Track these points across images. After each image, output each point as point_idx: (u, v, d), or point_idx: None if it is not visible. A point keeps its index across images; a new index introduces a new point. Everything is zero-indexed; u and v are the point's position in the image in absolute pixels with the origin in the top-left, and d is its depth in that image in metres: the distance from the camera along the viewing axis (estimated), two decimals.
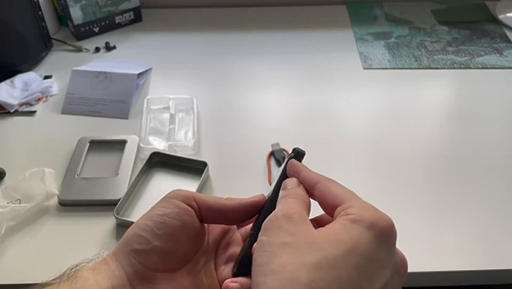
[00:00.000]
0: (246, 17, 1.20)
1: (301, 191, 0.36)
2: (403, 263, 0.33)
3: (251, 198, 0.39)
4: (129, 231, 0.37)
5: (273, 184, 0.39)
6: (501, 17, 1.17)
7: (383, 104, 0.95)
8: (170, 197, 0.38)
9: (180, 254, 0.37)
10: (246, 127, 0.89)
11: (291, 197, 0.35)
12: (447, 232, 0.70)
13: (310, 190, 0.36)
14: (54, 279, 0.35)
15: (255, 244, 0.33)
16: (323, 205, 0.35)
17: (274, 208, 0.35)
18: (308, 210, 0.35)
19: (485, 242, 0.69)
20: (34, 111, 0.93)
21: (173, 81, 1.02)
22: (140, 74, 0.97)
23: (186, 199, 0.38)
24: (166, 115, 0.89)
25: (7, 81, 0.96)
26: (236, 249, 0.40)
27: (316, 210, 0.37)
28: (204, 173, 0.76)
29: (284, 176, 0.39)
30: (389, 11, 1.22)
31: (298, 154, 0.39)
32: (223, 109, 0.94)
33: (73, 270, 0.36)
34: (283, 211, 0.33)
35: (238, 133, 0.88)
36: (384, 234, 0.31)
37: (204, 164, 0.77)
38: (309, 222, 0.32)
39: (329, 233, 0.31)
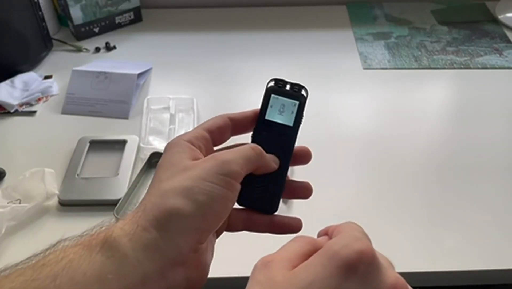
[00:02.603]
0: (246, 17, 1.20)
1: (307, 237, 0.34)
2: None
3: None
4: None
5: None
6: (501, 17, 1.17)
7: (383, 104, 0.95)
8: (227, 175, 0.34)
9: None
10: None
11: (290, 241, 0.34)
12: (447, 232, 0.70)
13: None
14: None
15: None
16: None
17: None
18: (311, 249, 0.32)
19: (485, 242, 0.69)
20: (34, 111, 0.93)
21: (173, 81, 1.02)
22: (140, 74, 0.97)
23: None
24: (166, 115, 0.89)
25: (7, 81, 0.96)
26: None
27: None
28: None
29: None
30: (389, 11, 1.23)
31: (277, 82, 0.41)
32: (223, 109, 0.92)
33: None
34: (263, 259, 0.32)
35: None
36: (347, 264, 0.28)
37: None
38: (288, 265, 0.30)
39: (293, 273, 0.30)
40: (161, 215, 0.32)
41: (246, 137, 0.41)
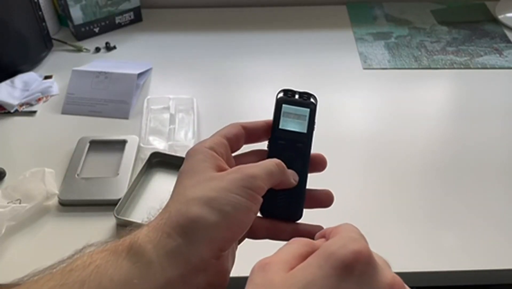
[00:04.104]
0: (246, 17, 1.20)
1: (304, 239, 0.34)
2: None
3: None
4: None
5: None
6: (501, 17, 1.17)
7: (383, 104, 0.95)
8: (252, 188, 0.35)
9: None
10: None
11: (287, 243, 0.34)
12: (447, 232, 0.70)
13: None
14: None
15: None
16: None
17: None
18: (307, 251, 0.32)
19: (484, 242, 0.69)
20: (34, 111, 0.93)
21: (173, 81, 1.02)
22: (140, 74, 0.97)
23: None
24: (166, 115, 0.89)
25: (7, 81, 0.96)
26: None
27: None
28: None
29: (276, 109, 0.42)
30: (389, 11, 1.23)
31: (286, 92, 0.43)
32: (223, 109, 0.94)
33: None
34: (260, 262, 0.32)
35: None
36: (344, 264, 0.28)
37: None
38: (286, 267, 0.30)
39: (290, 274, 0.30)
40: (185, 223, 0.33)
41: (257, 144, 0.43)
